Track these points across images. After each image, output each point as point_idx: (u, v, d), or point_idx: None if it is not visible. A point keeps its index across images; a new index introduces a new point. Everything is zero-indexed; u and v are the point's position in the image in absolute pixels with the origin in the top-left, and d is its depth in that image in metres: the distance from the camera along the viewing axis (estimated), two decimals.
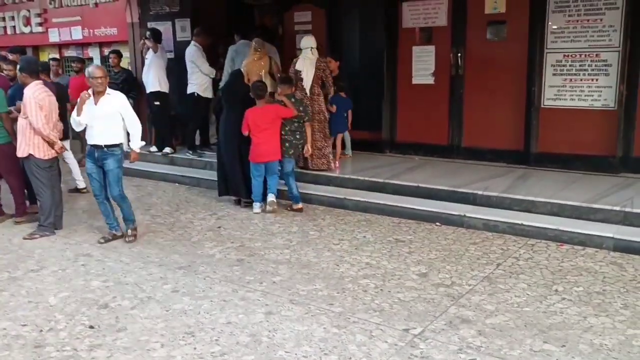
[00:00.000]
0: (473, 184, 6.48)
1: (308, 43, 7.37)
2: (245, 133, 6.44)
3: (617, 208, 5.42)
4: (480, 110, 7.63)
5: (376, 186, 6.90)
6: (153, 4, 9.43)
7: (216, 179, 7.14)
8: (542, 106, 7.16)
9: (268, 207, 6.58)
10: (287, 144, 6.66)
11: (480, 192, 6.19)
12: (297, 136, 6.73)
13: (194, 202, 7.30)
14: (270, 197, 6.63)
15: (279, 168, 6.71)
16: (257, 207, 6.63)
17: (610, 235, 5.12)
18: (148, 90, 8.95)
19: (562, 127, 7.08)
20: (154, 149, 9.20)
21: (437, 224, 5.98)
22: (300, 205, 6.68)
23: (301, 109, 6.71)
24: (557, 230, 5.37)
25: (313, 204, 6.91)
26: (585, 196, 5.79)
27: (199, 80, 8.54)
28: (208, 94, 8.65)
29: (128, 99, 8.84)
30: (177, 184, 8.25)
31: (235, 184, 6.84)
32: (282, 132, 6.62)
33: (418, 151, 8.18)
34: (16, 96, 6.40)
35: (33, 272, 4.96)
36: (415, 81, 8.12)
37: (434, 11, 7.80)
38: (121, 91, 8.81)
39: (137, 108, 9.43)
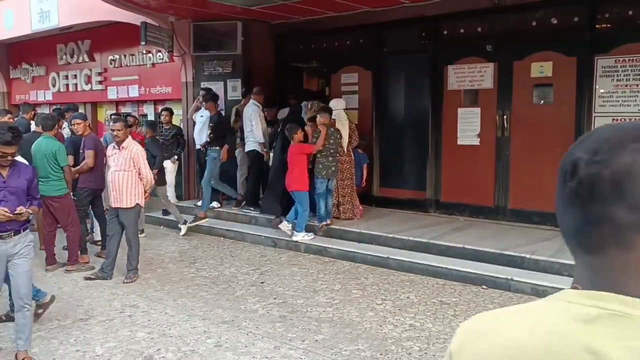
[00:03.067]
0: (520, 247, 6.36)
1: (341, 104, 8.19)
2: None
3: None
4: (527, 172, 7.57)
5: (420, 246, 6.85)
6: (207, 64, 9.87)
7: (260, 233, 7.78)
8: None
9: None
10: (320, 166, 7.55)
11: (528, 256, 6.07)
12: (330, 159, 7.59)
13: (238, 256, 7.39)
14: (283, 224, 7.68)
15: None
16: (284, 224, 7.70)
17: None
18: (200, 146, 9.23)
19: None
20: (200, 203, 9.41)
21: (483, 287, 5.86)
22: (324, 223, 7.59)
23: (338, 138, 7.68)
24: None
25: (357, 262, 6.90)
26: None
27: (258, 138, 8.69)
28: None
29: (174, 154, 9.31)
30: (222, 238, 8.39)
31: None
32: (317, 155, 7.57)
33: (463, 212, 8.11)
34: (69, 149, 6.92)
35: (81, 321, 5.08)
36: (460, 142, 8.16)
37: (479, 74, 7.91)
38: (169, 146, 9.26)
39: (184, 163, 9.80)
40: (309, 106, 8.10)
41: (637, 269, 0.75)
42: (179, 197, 9.97)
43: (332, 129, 7.67)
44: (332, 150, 7.63)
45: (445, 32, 8.25)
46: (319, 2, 8.18)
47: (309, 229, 7.66)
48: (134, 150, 6.26)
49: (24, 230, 4.28)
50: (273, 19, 9.50)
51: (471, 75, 7.99)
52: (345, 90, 9.45)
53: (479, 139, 7.98)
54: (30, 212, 4.30)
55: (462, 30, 8.06)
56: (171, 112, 9.83)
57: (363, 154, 8.34)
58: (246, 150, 8.84)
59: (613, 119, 6.89)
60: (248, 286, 6.08)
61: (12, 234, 4.17)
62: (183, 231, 8.47)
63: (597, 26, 7.00)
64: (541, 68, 7.41)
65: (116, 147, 6.33)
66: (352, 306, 5.37)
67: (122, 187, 6.20)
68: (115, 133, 6.31)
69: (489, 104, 7.86)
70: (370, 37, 9.04)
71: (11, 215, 4.07)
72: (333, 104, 8.11)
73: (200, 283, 6.22)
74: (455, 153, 8.22)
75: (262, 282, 6.21)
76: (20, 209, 4.15)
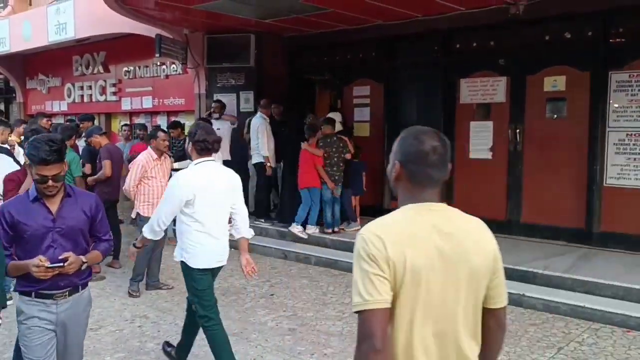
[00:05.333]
0: (532, 262, 6.30)
1: (338, 118, 8.61)
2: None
3: None
4: (540, 187, 7.52)
5: None
6: (220, 76, 9.95)
7: (270, 245, 7.88)
8: (605, 185, 6.99)
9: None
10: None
11: (540, 271, 6.01)
12: (335, 168, 7.94)
13: None
14: (292, 226, 8.04)
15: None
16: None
17: None
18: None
19: (626, 207, 6.85)
20: None
21: None
22: (330, 230, 7.98)
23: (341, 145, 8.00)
24: (624, 315, 5.11)
25: None
26: None
27: (262, 151, 8.63)
28: (272, 162, 8.80)
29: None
30: (232, 250, 8.36)
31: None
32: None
33: None
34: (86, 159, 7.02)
35: (92, 331, 5.08)
36: (472, 155, 8.13)
37: (492, 88, 7.89)
38: (183, 157, 9.28)
39: None
40: (307, 125, 8.17)
41: (440, 192, 1.74)
42: None
43: (334, 138, 8.01)
44: (335, 159, 7.96)
45: (457, 46, 8.25)
46: (332, 16, 8.22)
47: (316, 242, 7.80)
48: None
49: (83, 287, 3.09)
50: (286, 32, 9.57)
51: (484, 89, 7.98)
52: (357, 103, 9.49)
53: (491, 153, 7.95)
54: (86, 261, 2.97)
55: (474, 44, 8.07)
56: (180, 127, 9.69)
57: (361, 163, 8.50)
58: (253, 162, 8.88)
59: (627, 134, 6.84)
60: (258, 298, 6.07)
61: (67, 293, 2.98)
62: None
63: (611, 41, 6.97)
64: (554, 82, 7.38)
65: (157, 157, 6.28)
66: None
67: None
68: (166, 142, 6.36)
69: (501, 118, 7.83)
70: (382, 50, 9.07)
71: (54, 268, 2.79)
72: (334, 117, 8.45)
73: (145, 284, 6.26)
74: (468, 167, 8.17)
75: (271, 294, 6.20)
76: (69, 256, 2.82)
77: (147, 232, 4.05)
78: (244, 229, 4.24)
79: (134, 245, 4.19)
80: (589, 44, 7.09)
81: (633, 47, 6.79)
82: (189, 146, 4.04)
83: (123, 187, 6.38)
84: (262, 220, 8.82)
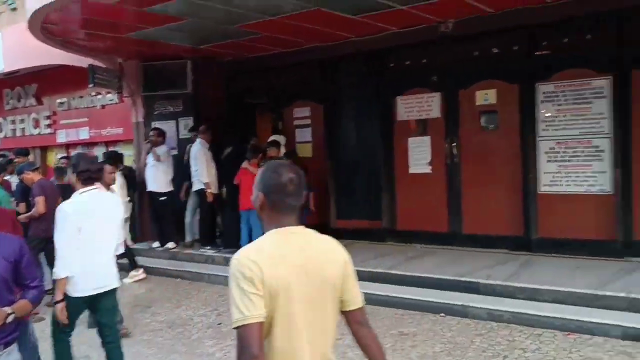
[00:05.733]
0: (476, 272, 6.43)
1: (282, 140, 8.81)
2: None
3: (623, 294, 5.34)
4: (478, 197, 7.72)
5: (378, 276, 6.84)
6: (157, 104, 9.79)
7: (218, 272, 7.63)
8: (539, 192, 7.24)
9: None
10: None
11: (483, 281, 6.13)
12: None
13: (195, 297, 7.23)
14: None
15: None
16: None
17: (618, 323, 5.01)
18: (158, 189, 9.06)
19: (560, 213, 7.12)
20: (156, 244, 9.22)
21: (442, 314, 5.88)
22: None
23: None
24: (564, 319, 5.26)
25: None
26: (590, 283, 5.73)
27: (202, 178, 8.51)
28: (214, 188, 8.67)
29: (128, 195, 9.03)
30: (179, 279, 8.20)
31: None
32: None
33: (419, 239, 8.18)
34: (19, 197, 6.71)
35: None
36: (412, 170, 8.28)
37: (427, 104, 8.09)
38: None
39: (137, 204, 9.59)
40: (249, 146, 8.27)
41: (297, 217, 1.99)
42: (132, 239, 9.73)
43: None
44: None
45: (392, 65, 8.43)
46: (266, 40, 8.26)
47: None
48: None
49: (5, 345, 2.74)
50: (223, 56, 9.55)
51: (419, 105, 8.17)
52: (297, 124, 9.53)
53: (430, 167, 8.12)
54: (12, 312, 2.70)
55: (408, 62, 8.26)
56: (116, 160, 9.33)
57: (308, 184, 8.40)
58: (194, 189, 8.74)
59: (557, 143, 7.12)
60: (205, 328, 5.94)
61: None
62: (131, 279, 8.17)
63: (536, 54, 7.28)
64: (486, 96, 7.63)
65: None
66: None
67: None
68: (113, 175, 6.14)
69: (437, 132, 8.03)
70: (319, 72, 9.16)
71: None
72: (272, 139, 8.61)
73: (156, 328, 6.05)
74: (408, 182, 8.33)
75: (219, 324, 6.08)
76: None
77: (59, 271, 3.93)
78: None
79: (56, 303, 4.00)
80: (516, 58, 7.38)
81: (557, 60, 7.10)
82: (72, 177, 4.08)
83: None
84: (208, 248, 8.69)
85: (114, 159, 8.14)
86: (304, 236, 2.01)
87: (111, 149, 10.65)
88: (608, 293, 5.42)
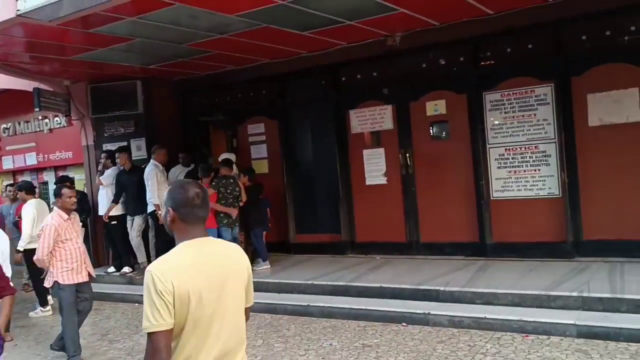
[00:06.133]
0: (435, 280, 6.52)
1: (233, 158, 8.71)
2: None
3: (575, 294, 5.52)
4: (434, 206, 7.86)
5: (340, 290, 6.87)
6: (107, 125, 9.61)
7: None
8: (492, 198, 7.43)
9: None
10: (221, 214, 7.87)
11: (442, 288, 6.23)
12: (231, 208, 7.94)
13: None
14: None
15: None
16: None
17: (572, 322, 5.16)
18: (102, 212, 8.85)
19: (513, 217, 7.32)
20: (111, 269, 8.99)
21: (403, 324, 5.93)
22: None
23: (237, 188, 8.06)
24: (521, 321, 5.39)
25: (278, 313, 6.78)
26: (544, 284, 5.89)
27: (152, 199, 8.31)
28: None
29: (81, 220, 8.72)
30: (137, 304, 8.00)
31: None
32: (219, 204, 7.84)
33: (378, 250, 8.25)
34: None
35: None
36: (368, 182, 8.37)
37: (379, 116, 8.21)
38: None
39: (91, 229, 9.35)
40: (200, 166, 8.30)
41: (204, 228, 2.24)
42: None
43: (231, 180, 8.04)
44: (231, 200, 7.94)
45: (343, 79, 8.54)
46: (217, 58, 8.24)
47: None
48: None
49: None
50: (174, 75, 9.47)
51: (372, 117, 8.28)
52: (253, 141, 9.51)
53: (386, 178, 8.23)
54: None
55: (359, 76, 8.38)
56: (68, 180, 9.05)
57: (265, 199, 8.56)
58: (148, 211, 8.53)
59: (506, 149, 7.33)
60: None
61: None
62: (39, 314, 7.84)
63: (481, 64, 7.50)
64: (436, 106, 7.81)
65: (67, 217, 5.66)
66: None
67: (84, 257, 5.76)
68: (73, 199, 5.71)
69: (391, 143, 8.15)
70: (273, 88, 9.19)
71: None
72: (224, 156, 8.53)
73: (114, 356, 5.88)
74: (365, 193, 8.41)
75: None
76: None
77: None
78: None
79: None
80: (462, 69, 7.59)
81: (502, 69, 7.34)
82: None
83: (34, 258, 5.62)
84: None
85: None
86: (212, 245, 2.25)
87: (61, 173, 10.40)
88: (561, 293, 5.59)
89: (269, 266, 8.16)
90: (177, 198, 2.21)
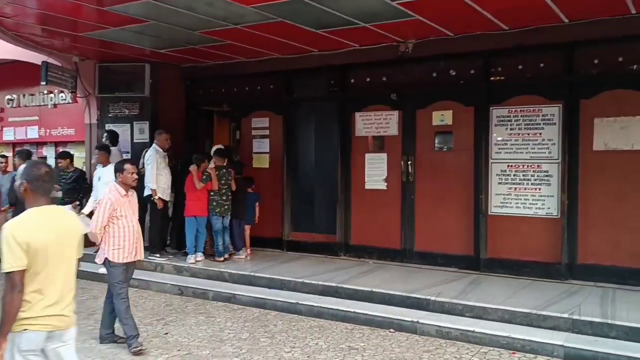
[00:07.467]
0: (426, 289, 6.51)
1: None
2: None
3: (566, 315, 5.51)
4: (431, 216, 7.84)
5: (330, 290, 6.85)
6: (112, 106, 9.57)
7: (166, 281, 7.71)
8: (490, 213, 7.42)
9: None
10: (214, 204, 8.19)
11: (433, 298, 6.21)
12: (224, 198, 8.22)
13: (141, 306, 7.04)
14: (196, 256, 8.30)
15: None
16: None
17: (560, 343, 5.16)
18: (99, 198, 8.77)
19: (509, 234, 7.30)
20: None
21: (391, 330, 5.91)
22: (221, 259, 8.22)
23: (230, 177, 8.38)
24: (509, 337, 5.38)
25: (266, 308, 6.77)
26: (535, 303, 5.88)
27: (159, 183, 8.29)
28: (166, 196, 8.45)
29: (77, 199, 8.68)
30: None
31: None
32: (212, 193, 8.18)
33: (372, 255, 8.24)
34: None
35: None
36: (368, 186, 8.35)
37: (385, 122, 8.20)
38: (72, 190, 8.72)
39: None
40: (194, 155, 8.39)
41: (49, 199, 3.04)
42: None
43: (224, 170, 8.31)
44: (224, 189, 8.25)
45: (352, 81, 8.52)
46: (229, 48, 8.21)
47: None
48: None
49: None
50: (183, 62, 9.44)
51: (377, 122, 8.27)
52: (255, 135, 9.48)
53: (386, 184, 8.21)
54: None
55: (368, 79, 8.36)
56: (68, 157, 9.13)
57: (254, 193, 8.73)
58: (144, 195, 8.31)
59: (508, 165, 7.32)
60: (151, 338, 5.78)
61: None
62: None
63: (491, 79, 7.49)
64: (442, 117, 7.79)
65: (125, 193, 5.43)
66: (260, 355, 5.23)
67: (138, 236, 5.51)
68: (135, 176, 5.49)
69: (394, 149, 8.14)
70: (280, 83, 9.16)
71: None
72: (214, 149, 8.66)
73: (99, 336, 5.84)
74: (364, 197, 8.39)
75: (166, 333, 5.94)
76: None
77: None
78: None
79: None
80: (472, 81, 7.58)
81: (511, 85, 7.34)
82: None
83: (88, 230, 5.28)
84: (157, 256, 8.49)
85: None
86: (55, 212, 3.01)
87: (61, 149, 10.36)
88: (552, 314, 5.58)
89: (243, 256, 8.60)
90: (30, 174, 2.94)
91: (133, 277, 5.90)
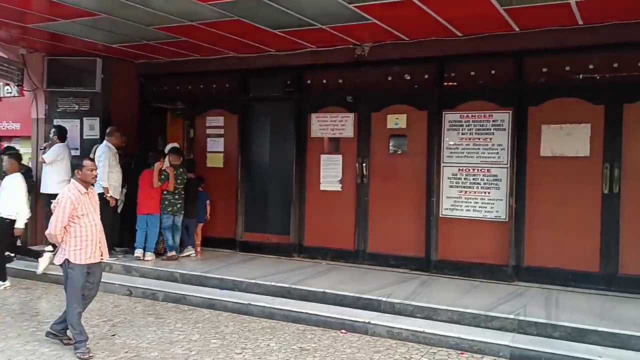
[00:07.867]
0: (378, 290, 6.57)
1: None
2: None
3: (512, 316, 5.65)
4: (384, 218, 7.93)
5: (282, 291, 6.83)
6: (61, 101, 9.28)
7: (114, 281, 7.44)
8: (441, 216, 7.55)
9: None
10: (166, 202, 8.20)
11: (384, 299, 6.27)
12: (176, 197, 8.24)
13: (88, 306, 6.82)
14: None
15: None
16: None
17: (507, 343, 5.29)
18: (46, 190, 8.53)
19: (459, 236, 7.46)
20: (49, 248, 8.65)
21: (343, 331, 5.94)
22: (172, 253, 8.21)
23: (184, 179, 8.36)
24: (458, 338, 5.48)
25: (217, 309, 6.69)
26: (483, 304, 6.02)
27: (110, 180, 8.11)
28: (116, 194, 8.29)
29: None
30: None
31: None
32: (164, 192, 8.17)
33: (325, 256, 8.27)
34: None
35: None
36: (323, 187, 8.38)
37: (341, 123, 8.24)
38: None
39: (32, 205, 8.98)
40: (150, 154, 8.44)
41: None
42: (24, 242, 9.09)
43: (180, 170, 8.31)
44: (178, 189, 8.27)
45: (309, 82, 8.54)
46: (184, 45, 8.09)
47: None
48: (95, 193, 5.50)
49: None
50: (137, 57, 9.24)
51: (333, 123, 8.31)
52: (210, 134, 9.38)
53: (341, 185, 8.26)
54: None
55: (324, 81, 8.40)
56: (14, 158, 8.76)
57: (204, 192, 8.81)
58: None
59: (459, 169, 7.48)
60: (97, 340, 5.62)
61: None
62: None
63: (445, 84, 7.63)
64: (397, 120, 7.89)
65: (85, 190, 5.23)
66: (210, 357, 5.16)
67: (101, 235, 5.33)
68: (95, 172, 5.36)
69: (349, 151, 8.19)
70: (237, 82, 9.09)
71: None
72: (169, 147, 8.70)
73: (42, 338, 5.63)
74: (319, 198, 8.41)
75: (113, 335, 5.79)
76: None
77: None
78: None
79: None
80: (426, 86, 7.71)
81: (464, 91, 7.50)
82: None
83: (46, 232, 5.16)
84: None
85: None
86: None
87: (6, 144, 9.99)
88: (499, 314, 5.72)
89: (191, 253, 8.62)
90: None
91: None
